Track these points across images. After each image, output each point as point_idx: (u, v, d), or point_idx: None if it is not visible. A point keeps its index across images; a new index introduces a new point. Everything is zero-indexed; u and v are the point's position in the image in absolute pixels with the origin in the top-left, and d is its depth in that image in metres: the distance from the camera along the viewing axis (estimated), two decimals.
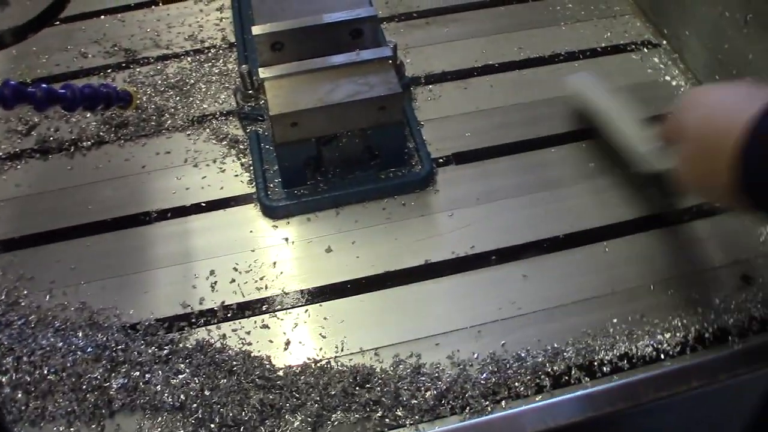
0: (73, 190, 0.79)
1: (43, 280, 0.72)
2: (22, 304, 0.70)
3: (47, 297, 0.71)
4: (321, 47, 0.75)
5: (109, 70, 0.91)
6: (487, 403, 0.61)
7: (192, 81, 0.88)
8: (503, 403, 0.61)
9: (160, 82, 0.88)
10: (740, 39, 0.78)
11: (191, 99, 0.86)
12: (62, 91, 0.72)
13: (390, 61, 0.73)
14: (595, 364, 0.63)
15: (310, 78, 0.71)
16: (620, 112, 0.74)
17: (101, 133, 0.83)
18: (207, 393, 0.62)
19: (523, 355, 0.64)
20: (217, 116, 0.84)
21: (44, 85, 0.70)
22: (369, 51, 0.73)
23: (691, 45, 0.87)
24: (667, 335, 0.65)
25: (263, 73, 0.71)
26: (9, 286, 0.72)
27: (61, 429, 0.62)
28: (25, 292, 0.71)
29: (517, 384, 0.62)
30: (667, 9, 0.91)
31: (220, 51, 0.92)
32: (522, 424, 0.61)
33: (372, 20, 0.76)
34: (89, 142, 0.83)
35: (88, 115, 0.85)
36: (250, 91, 0.81)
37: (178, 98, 0.86)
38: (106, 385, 0.63)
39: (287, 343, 0.66)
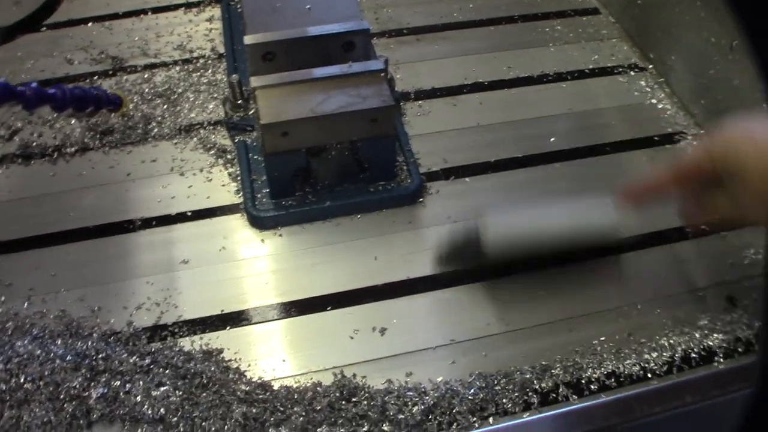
0: (55, 196, 0.78)
1: (22, 287, 0.70)
2: (0, 311, 0.69)
3: (25, 304, 0.69)
4: (312, 59, 0.75)
5: (95, 77, 0.90)
6: (475, 419, 0.60)
7: (180, 90, 0.87)
8: (491, 419, 0.60)
9: (147, 90, 0.87)
10: (726, 64, 0.79)
11: (179, 108, 0.85)
12: (52, 91, 0.71)
13: (382, 74, 0.72)
14: (583, 381, 0.63)
15: (302, 88, 0.71)
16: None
17: (86, 140, 0.82)
18: (188, 406, 0.60)
19: (510, 371, 0.63)
20: (204, 126, 0.83)
21: (34, 85, 0.69)
22: (361, 63, 0.73)
23: (677, 69, 0.88)
24: (654, 354, 0.65)
25: (254, 82, 0.70)
26: None
27: None
28: (3, 298, 0.70)
29: (504, 400, 0.61)
30: (654, 34, 0.93)
31: (209, 61, 0.91)
32: None
33: (364, 33, 0.76)
34: (73, 149, 0.82)
35: (72, 121, 0.84)
36: (239, 101, 0.80)
37: (165, 107, 0.85)
38: (84, 394, 0.61)
39: (270, 357, 0.65)
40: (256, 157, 0.78)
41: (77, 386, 0.61)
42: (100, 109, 0.78)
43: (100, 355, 0.63)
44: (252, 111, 0.80)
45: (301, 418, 0.60)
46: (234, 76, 0.79)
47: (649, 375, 0.63)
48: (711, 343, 0.65)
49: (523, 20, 0.99)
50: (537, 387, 0.62)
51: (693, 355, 0.65)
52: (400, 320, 0.67)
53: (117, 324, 0.67)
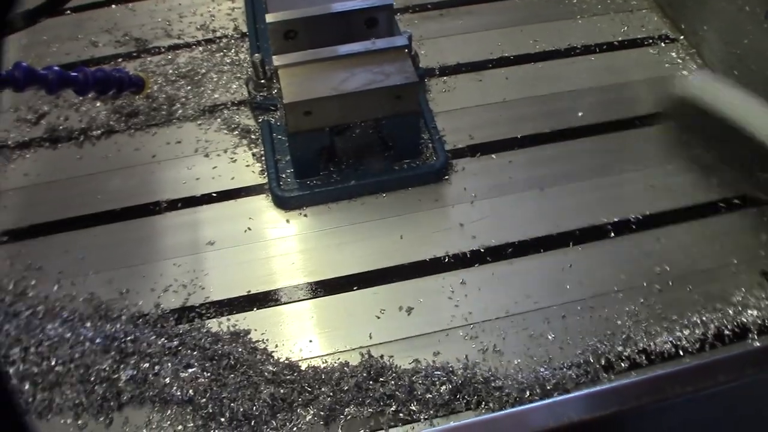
0: (82, 179, 0.78)
1: (52, 271, 0.71)
2: (30, 294, 0.69)
3: (55, 287, 0.70)
4: (335, 36, 0.74)
5: (119, 60, 0.90)
6: (505, 399, 0.60)
7: (203, 71, 0.87)
8: (518, 398, 0.60)
9: (171, 71, 0.87)
10: (759, 34, 0.77)
11: (202, 89, 0.85)
12: (74, 74, 0.71)
13: (406, 50, 0.71)
14: (612, 359, 0.62)
15: (325, 66, 0.70)
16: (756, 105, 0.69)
17: (111, 123, 0.82)
18: (216, 387, 0.60)
19: (536, 349, 0.63)
20: (228, 106, 0.83)
21: (56, 68, 0.69)
22: (385, 40, 0.72)
23: (709, 40, 0.86)
24: (686, 332, 0.64)
25: (277, 60, 0.70)
26: (17, 276, 0.71)
27: (68, 422, 0.61)
28: (33, 282, 0.70)
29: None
30: (685, 4, 0.90)
31: (232, 41, 0.91)
32: (527, 423, 0.59)
33: (387, 9, 0.75)
34: (99, 131, 0.82)
35: (98, 104, 0.84)
36: (263, 81, 0.80)
37: (189, 88, 0.85)
38: (114, 377, 0.61)
39: (298, 337, 0.65)
40: (280, 137, 0.78)
41: (107, 368, 0.62)
42: (123, 91, 0.78)
43: (128, 338, 0.63)
44: (275, 90, 0.80)
45: (329, 399, 0.60)
46: (257, 55, 0.78)
47: (681, 353, 0.62)
48: (745, 320, 0.64)
49: None
50: (568, 365, 0.61)
51: (726, 332, 0.63)
52: (426, 299, 0.67)
53: (145, 306, 0.67)
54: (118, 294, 0.69)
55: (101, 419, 0.61)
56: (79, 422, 0.61)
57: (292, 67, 0.70)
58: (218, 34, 0.92)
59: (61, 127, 0.83)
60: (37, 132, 0.83)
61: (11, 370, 0.62)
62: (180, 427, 0.60)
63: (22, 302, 0.68)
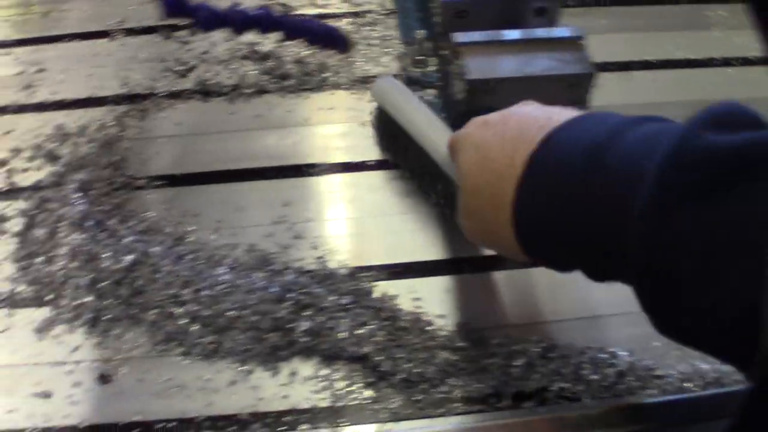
0: (234, 134, 0.79)
1: (210, 218, 0.72)
2: (190, 239, 0.70)
3: (214, 236, 0.71)
4: (501, 20, 0.75)
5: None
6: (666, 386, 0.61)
7: (353, 41, 0.87)
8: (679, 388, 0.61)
9: None
10: None
11: (353, 59, 0.86)
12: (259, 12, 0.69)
13: (581, 41, 0.72)
14: None
15: (506, 47, 0.71)
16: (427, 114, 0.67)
17: (262, 83, 0.83)
18: (392, 348, 0.61)
19: None
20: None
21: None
22: (561, 29, 0.73)
23: None
24: None
25: (459, 37, 0.71)
26: (174, 220, 0.72)
27: (233, 366, 0.62)
28: (192, 228, 0.71)
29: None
30: None
31: (378, 16, 0.92)
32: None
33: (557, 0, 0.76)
34: (250, 90, 0.83)
35: (247, 64, 0.85)
36: (421, 57, 0.81)
37: (339, 57, 0.86)
38: (288, 327, 0.62)
39: (475, 307, 0.66)
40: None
41: (282, 318, 0.62)
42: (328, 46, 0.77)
43: (303, 290, 0.64)
44: (431, 68, 0.81)
45: (499, 371, 0.61)
46: (421, 31, 0.79)
47: None
48: None
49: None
50: None
51: None
52: None
53: (308, 263, 0.68)
54: (279, 248, 0.70)
55: (269, 367, 0.62)
56: (246, 368, 0.62)
57: (474, 46, 0.71)
58: (364, 8, 0.93)
59: (210, 82, 0.84)
60: (186, 84, 0.84)
61: (181, 310, 0.63)
62: (348, 383, 0.61)
63: (183, 246, 0.69)
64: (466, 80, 0.68)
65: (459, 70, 0.69)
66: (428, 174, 0.68)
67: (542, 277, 0.68)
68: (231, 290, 0.64)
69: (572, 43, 0.72)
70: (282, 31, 0.71)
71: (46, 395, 0.61)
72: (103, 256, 0.66)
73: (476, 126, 0.52)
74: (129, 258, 0.66)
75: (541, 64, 0.70)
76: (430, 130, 0.65)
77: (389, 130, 0.71)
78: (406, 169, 0.75)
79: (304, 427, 0.59)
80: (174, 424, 0.60)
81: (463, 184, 0.51)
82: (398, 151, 0.73)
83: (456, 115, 0.73)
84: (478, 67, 0.69)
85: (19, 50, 0.90)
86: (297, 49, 0.86)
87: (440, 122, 0.66)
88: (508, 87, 0.69)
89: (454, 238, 0.70)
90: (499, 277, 0.68)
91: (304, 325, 0.62)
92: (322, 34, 0.74)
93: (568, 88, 0.71)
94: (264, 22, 0.70)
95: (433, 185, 0.69)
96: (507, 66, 0.69)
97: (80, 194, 0.72)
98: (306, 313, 0.63)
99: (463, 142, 0.52)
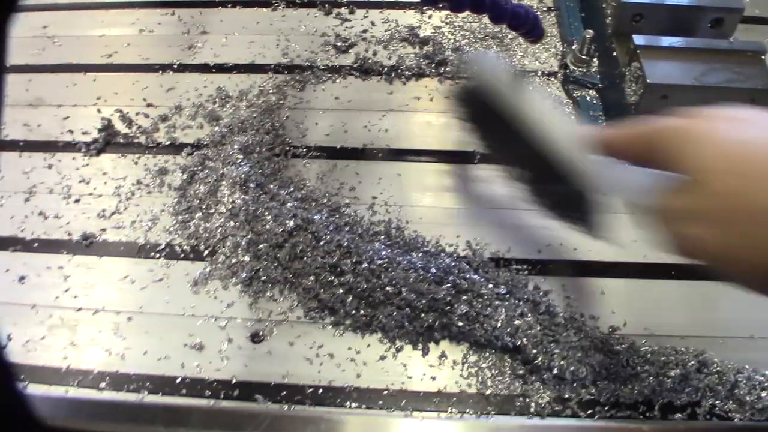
0: (395, 114, 0.80)
1: (366, 195, 0.73)
2: (345, 212, 0.72)
3: (370, 211, 0.72)
4: (675, 28, 0.74)
5: (424, 8, 0.91)
6: None
7: (511, 35, 0.87)
8: None
9: (478, 29, 0.88)
10: None
11: (511, 53, 0.86)
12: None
13: (763, 56, 0.71)
14: None
15: (685, 54, 0.70)
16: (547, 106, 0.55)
17: (421, 67, 0.84)
18: (548, 342, 0.61)
19: None
20: (538, 75, 0.84)
21: None
22: (742, 41, 0.72)
23: None
24: None
25: (638, 40, 0.70)
26: (330, 191, 0.73)
27: (384, 342, 0.63)
28: (347, 201, 0.73)
29: None
30: None
31: (539, 13, 0.91)
32: None
33: (738, 12, 0.75)
34: (409, 73, 0.84)
35: (407, 47, 0.86)
36: (584, 57, 0.80)
37: (497, 49, 0.86)
38: (446, 309, 0.63)
39: (615, 311, 0.65)
40: (592, 113, 0.78)
41: (441, 299, 0.63)
42: (530, 34, 0.74)
43: (461, 275, 0.65)
44: (593, 68, 0.80)
45: (651, 378, 0.61)
46: (588, 30, 0.79)
47: None
48: None
49: None
50: None
51: None
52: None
53: (461, 250, 0.69)
54: (431, 231, 0.70)
55: (418, 346, 0.63)
56: (396, 345, 0.63)
57: (653, 50, 0.70)
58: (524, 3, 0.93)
59: (369, 61, 0.85)
60: (346, 60, 0.85)
61: (339, 280, 0.65)
62: (495, 372, 0.62)
63: (339, 217, 0.71)
64: (644, 83, 0.67)
65: (636, 72, 0.69)
66: (535, 166, 0.58)
67: (697, 289, 0.67)
68: (389, 267, 0.65)
69: (753, 57, 0.71)
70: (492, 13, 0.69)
71: (199, 347, 0.64)
72: (267, 218, 0.68)
73: (718, 120, 0.43)
74: (291, 223, 0.67)
75: (719, 76, 0.68)
76: (556, 121, 0.54)
77: (486, 111, 0.60)
78: (501, 156, 0.67)
79: (453, 410, 0.60)
80: (321, 391, 0.61)
81: (713, 187, 0.41)
82: (495, 137, 0.65)
83: (622, 117, 0.72)
84: (657, 72, 0.68)
85: (182, 11, 0.94)
86: (453, 36, 0.87)
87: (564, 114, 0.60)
88: (684, 95, 0.68)
89: (600, 240, 0.70)
90: (654, 285, 0.67)
91: (463, 309, 0.62)
92: (530, 22, 0.71)
93: (749, 102, 0.69)
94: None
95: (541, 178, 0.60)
96: (684, 73, 0.68)
97: (242, 156, 0.74)
98: (464, 297, 0.63)
99: (700, 134, 0.42)
